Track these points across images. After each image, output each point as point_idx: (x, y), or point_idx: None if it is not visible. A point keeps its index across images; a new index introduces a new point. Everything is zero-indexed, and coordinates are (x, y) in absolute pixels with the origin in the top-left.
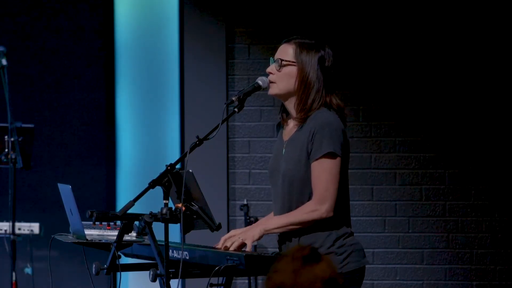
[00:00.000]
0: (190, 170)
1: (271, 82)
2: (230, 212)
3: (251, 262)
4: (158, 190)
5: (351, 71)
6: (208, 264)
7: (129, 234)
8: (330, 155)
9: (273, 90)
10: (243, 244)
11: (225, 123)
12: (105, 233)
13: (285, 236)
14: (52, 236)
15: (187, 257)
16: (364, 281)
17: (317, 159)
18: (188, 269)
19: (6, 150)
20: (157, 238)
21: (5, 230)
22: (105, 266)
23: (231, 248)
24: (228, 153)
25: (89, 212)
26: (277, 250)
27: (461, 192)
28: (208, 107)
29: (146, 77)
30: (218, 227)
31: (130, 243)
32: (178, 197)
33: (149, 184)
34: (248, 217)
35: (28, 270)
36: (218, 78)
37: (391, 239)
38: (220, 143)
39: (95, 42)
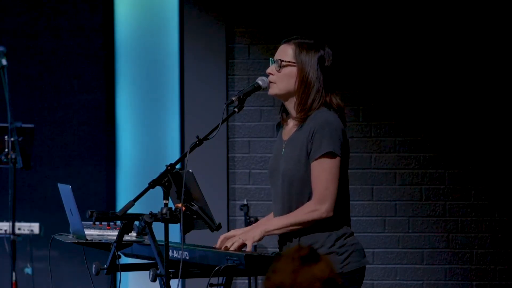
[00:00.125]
0: (190, 170)
1: (271, 82)
2: (230, 212)
3: (251, 262)
4: (158, 190)
5: (351, 71)
6: (208, 264)
7: (129, 234)
8: (329, 155)
9: (273, 90)
10: (243, 245)
11: (225, 123)
12: (105, 233)
13: (285, 236)
14: (52, 236)
15: (187, 257)
16: (364, 281)
17: (316, 159)
18: (188, 269)
19: (6, 150)
20: (157, 238)
21: (5, 230)
22: (105, 266)
23: (231, 249)
24: (228, 153)
25: (89, 212)
26: (277, 250)
27: (461, 192)
28: (208, 107)
29: (146, 77)
30: (218, 227)
31: (130, 243)
32: (178, 197)
33: (149, 184)
34: (248, 217)
35: (28, 270)
36: (218, 78)
37: (391, 239)
38: (220, 143)
39: (95, 42)
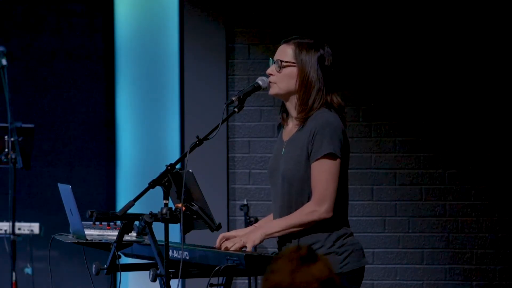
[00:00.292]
0: (190, 170)
1: (271, 82)
2: (230, 212)
3: (251, 262)
4: (158, 190)
5: (351, 71)
6: (208, 264)
7: (129, 234)
8: (330, 156)
9: (274, 90)
10: (243, 247)
11: (225, 123)
12: (105, 233)
13: (285, 236)
14: (52, 236)
15: (187, 257)
16: (364, 281)
17: (317, 160)
18: (188, 269)
19: (6, 150)
20: (157, 238)
21: (5, 230)
22: (105, 266)
23: (232, 249)
24: (228, 153)
25: (89, 212)
26: (277, 250)
27: (461, 192)
28: (208, 107)
29: (146, 77)
30: (218, 227)
31: (130, 243)
32: (178, 197)
33: (149, 184)
34: (248, 217)
35: (28, 270)
36: (218, 78)
37: (391, 239)
38: (220, 143)
39: (95, 42)
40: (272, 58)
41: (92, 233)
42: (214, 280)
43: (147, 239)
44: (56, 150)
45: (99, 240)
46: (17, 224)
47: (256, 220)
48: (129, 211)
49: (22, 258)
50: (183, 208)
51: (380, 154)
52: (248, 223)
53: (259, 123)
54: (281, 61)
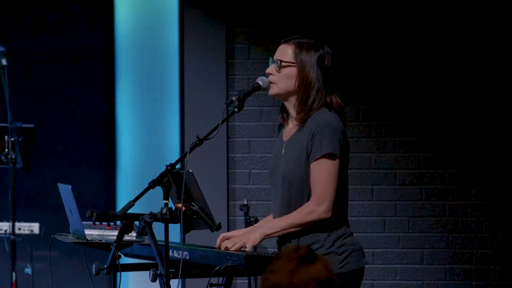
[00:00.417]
0: (190, 170)
1: (271, 82)
2: (230, 212)
3: (251, 262)
4: (158, 190)
5: (351, 71)
6: (208, 264)
7: (129, 234)
8: (329, 156)
9: (273, 90)
10: (243, 247)
11: (225, 123)
12: (105, 233)
13: (284, 236)
14: (52, 236)
15: (187, 257)
16: (364, 281)
17: (316, 160)
18: (188, 269)
19: (6, 150)
20: (157, 238)
21: (5, 230)
22: (105, 266)
23: (232, 249)
24: (228, 153)
25: (89, 212)
26: (277, 250)
27: (461, 192)
28: (208, 107)
29: (146, 77)
30: (218, 227)
31: (130, 243)
32: (178, 197)
33: (149, 184)
34: (248, 217)
35: (28, 270)
36: (218, 78)
37: (391, 239)
38: (220, 143)
39: (95, 42)
40: (272, 58)
41: (92, 233)
42: (214, 280)
43: (147, 239)
44: (56, 150)
45: (99, 240)
46: (17, 224)
47: (256, 220)
48: (129, 211)
49: (22, 258)
50: (183, 208)
51: (380, 154)
52: (248, 223)
53: (259, 123)
54: (281, 61)
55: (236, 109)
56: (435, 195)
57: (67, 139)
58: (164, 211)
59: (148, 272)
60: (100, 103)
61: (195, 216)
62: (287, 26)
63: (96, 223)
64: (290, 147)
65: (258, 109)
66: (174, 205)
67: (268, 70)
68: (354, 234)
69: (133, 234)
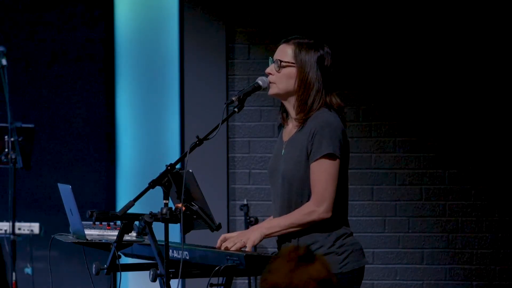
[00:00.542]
0: (190, 170)
1: (270, 82)
2: (230, 212)
3: (251, 262)
4: (158, 190)
5: (351, 71)
6: (208, 264)
7: (129, 234)
8: (329, 156)
9: (273, 90)
10: (243, 247)
11: (225, 123)
12: (105, 233)
13: (284, 236)
14: (52, 236)
15: (187, 257)
16: (364, 281)
17: (316, 160)
18: (188, 269)
19: (6, 150)
20: (157, 238)
21: (5, 230)
22: (105, 266)
23: (232, 249)
24: (228, 153)
25: (89, 212)
26: (277, 250)
27: (461, 192)
28: (208, 107)
29: (146, 77)
30: (218, 227)
31: (130, 243)
32: (178, 197)
33: (149, 184)
34: (248, 217)
35: (28, 270)
36: (218, 78)
37: (391, 239)
38: (220, 143)
39: (95, 42)
40: (272, 58)
41: (92, 233)
42: (214, 280)
43: (147, 239)
44: (56, 150)
45: (99, 240)
46: (17, 224)
47: (256, 220)
48: (129, 211)
49: (22, 258)
50: (183, 208)
51: (380, 154)
52: (248, 223)
53: (259, 123)
54: (281, 61)
55: (236, 109)
56: (435, 195)
57: (67, 139)
58: (164, 211)
59: (148, 272)
60: (100, 103)
61: (195, 216)
62: (287, 26)
63: (96, 223)
64: (290, 147)
65: (258, 109)
66: (174, 205)
67: (267, 70)
68: (354, 234)
69: (133, 234)
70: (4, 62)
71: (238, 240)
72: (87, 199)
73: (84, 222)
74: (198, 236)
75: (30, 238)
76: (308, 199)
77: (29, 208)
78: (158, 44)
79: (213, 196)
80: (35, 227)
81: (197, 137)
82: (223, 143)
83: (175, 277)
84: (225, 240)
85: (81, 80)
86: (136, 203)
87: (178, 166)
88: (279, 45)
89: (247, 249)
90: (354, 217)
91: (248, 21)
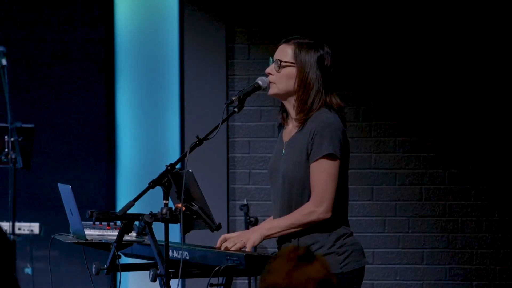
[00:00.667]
0: (190, 170)
1: (270, 82)
2: (230, 212)
3: (251, 262)
4: (158, 190)
5: (351, 71)
6: (208, 264)
7: (129, 234)
8: (329, 157)
9: (273, 90)
10: (243, 247)
11: (225, 123)
12: (105, 233)
13: (284, 236)
14: (52, 236)
15: (187, 257)
16: (364, 281)
17: (316, 160)
18: (188, 269)
19: (6, 150)
20: (157, 238)
21: (5, 230)
22: (105, 266)
23: (232, 249)
24: (228, 153)
25: (89, 212)
26: (277, 250)
27: (461, 192)
28: (208, 107)
29: (146, 77)
30: (218, 227)
31: (130, 243)
32: (178, 197)
33: (149, 184)
34: (248, 217)
35: (28, 270)
36: (218, 78)
37: (391, 239)
38: (220, 143)
39: (95, 42)
40: (272, 58)
41: (92, 233)
42: (214, 280)
43: (147, 239)
44: (56, 150)
45: (99, 240)
46: (17, 224)
47: (256, 220)
48: (129, 211)
49: (22, 258)
50: (183, 208)
51: (380, 154)
52: (248, 223)
53: (259, 123)
54: (280, 61)
55: (236, 109)
56: (435, 195)
57: (67, 139)
58: (164, 211)
59: (148, 272)
60: (100, 103)
61: (195, 216)
62: (287, 26)
63: (96, 223)
64: (290, 147)
65: (258, 109)
66: (174, 205)
67: (267, 70)
68: (354, 234)
69: (133, 234)
70: (4, 62)
71: (238, 240)
72: (87, 199)
73: (84, 222)
74: (198, 236)
75: (30, 238)
76: (308, 199)
77: (29, 208)
78: (158, 44)
79: (213, 196)
80: (35, 227)
81: (197, 137)
82: (223, 143)
83: (175, 277)
84: (225, 240)
85: (81, 80)
86: (136, 203)
87: (178, 166)
88: (279, 45)
89: (247, 250)
90: (354, 217)
91: (248, 21)
